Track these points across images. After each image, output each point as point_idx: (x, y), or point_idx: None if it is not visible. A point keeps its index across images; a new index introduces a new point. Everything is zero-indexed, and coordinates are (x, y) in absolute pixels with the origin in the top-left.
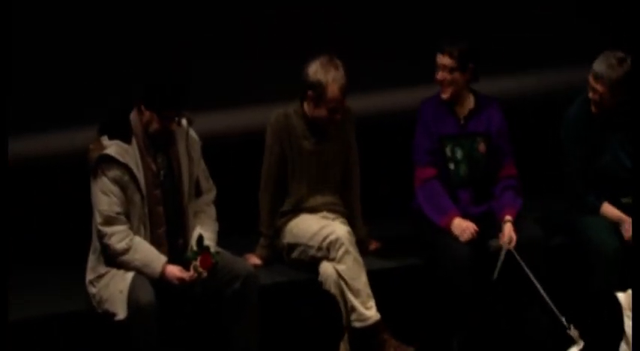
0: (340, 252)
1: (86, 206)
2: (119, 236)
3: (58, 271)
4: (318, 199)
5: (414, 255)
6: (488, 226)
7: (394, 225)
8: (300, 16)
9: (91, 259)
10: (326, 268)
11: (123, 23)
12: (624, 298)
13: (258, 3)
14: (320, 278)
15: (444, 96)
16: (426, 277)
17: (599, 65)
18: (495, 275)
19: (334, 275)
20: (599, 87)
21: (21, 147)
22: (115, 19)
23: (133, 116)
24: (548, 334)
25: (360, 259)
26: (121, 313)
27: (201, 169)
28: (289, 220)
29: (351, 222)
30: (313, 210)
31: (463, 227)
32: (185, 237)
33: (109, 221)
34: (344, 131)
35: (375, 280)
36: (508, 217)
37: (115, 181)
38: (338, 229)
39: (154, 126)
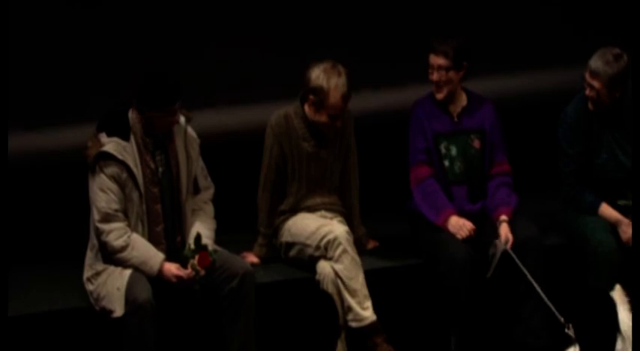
0: (338, 251)
1: (84, 203)
2: (117, 233)
3: (56, 268)
4: (317, 200)
5: (412, 254)
6: (485, 224)
7: (391, 224)
8: (300, 16)
9: (89, 256)
10: (323, 268)
11: (123, 23)
12: (616, 293)
13: (259, 3)
14: (317, 277)
15: (439, 96)
16: (423, 276)
17: (595, 62)
18: (489, 274)
19: (331, 274)
20: (595, 83)
21: (19, 144)
22: (115, 19)
23: (131, 113)
24: (544, 333)
25: (357, 258)
26: (119, 311)
27: (199, 167)
28: (287, 218)
29: (348, 221)
30: (311, 209)
31: (460, 225)
32: (183, 235)
33: (107, 218)
34: (344, 134)
35: (373, 279)
36: (504, 217)
37: (113, 179)
38: (336, 228)
39: (159, 124)
